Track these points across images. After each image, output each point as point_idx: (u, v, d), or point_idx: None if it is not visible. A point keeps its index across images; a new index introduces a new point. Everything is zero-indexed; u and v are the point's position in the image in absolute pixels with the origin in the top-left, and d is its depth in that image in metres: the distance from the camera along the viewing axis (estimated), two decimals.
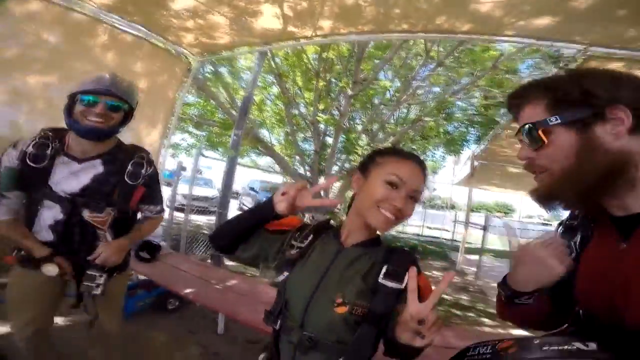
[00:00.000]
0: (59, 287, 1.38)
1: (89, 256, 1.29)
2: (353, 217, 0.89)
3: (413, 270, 0.68)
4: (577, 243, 0.71)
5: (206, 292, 2.56)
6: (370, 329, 0.76)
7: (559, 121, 0.58)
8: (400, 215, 0.82)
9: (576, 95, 0.58)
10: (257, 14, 2.57)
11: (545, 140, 0.60)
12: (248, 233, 0.93)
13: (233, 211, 5.29)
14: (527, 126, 0.62)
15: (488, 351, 0.58)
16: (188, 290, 2.51)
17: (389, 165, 0.84)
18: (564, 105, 0.59)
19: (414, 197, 0.83)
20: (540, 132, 0.60)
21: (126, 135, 3.23)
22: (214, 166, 9.73)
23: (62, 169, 1.26)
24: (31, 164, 1.21)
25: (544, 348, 0.52)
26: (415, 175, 0.84)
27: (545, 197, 0.64)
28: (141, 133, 3.35)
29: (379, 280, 0.79)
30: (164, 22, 2.69)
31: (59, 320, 2.17)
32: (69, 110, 1.27)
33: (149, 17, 2.66)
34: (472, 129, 7.34)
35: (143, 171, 1.36)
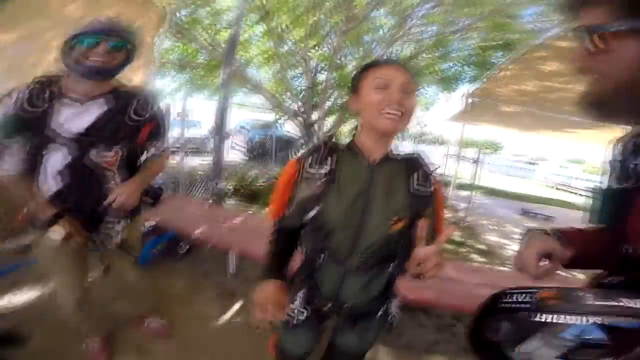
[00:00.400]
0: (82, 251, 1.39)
1: (103, 201, 1.27)
2: (366, 134, 0.90)
3: (424, 223, 0.77)
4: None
5: (215, 232, 2.55)
6: (413, 231, 0.83)
7: (623, 27, 0.51)
8: (404, 109, 0.83)
9: None
10: None
11: (603, 46, 0.53)
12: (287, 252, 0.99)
13: (227, 151, 5.23)
14: (582, 29, 0.55)
15: (526, 299, 0.54)
16: (199, 231, 2.50)
17: (372, 74, 0.86)
18: (631, 11, 0.50)
19: (407, 92, 0.84)
20: (596, 37, 0.53)
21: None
22: (199, 108, 9.41)
23: (64, 110, 1.21)
24: (29, 108, 1.17)
25: (588, 302, 0.49)
26: (399, 71, 0.85)
27: (596, 105, 0.58)
28: (123, 80, 3.20)
29: (415, 188, 0.87)
30: None
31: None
32: (66, 55, 1.21)
33: None
34: (467, 69, 7.07)
35: (148, 107, 1.35)
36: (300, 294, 0.96)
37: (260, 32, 6.40)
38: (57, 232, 1.21)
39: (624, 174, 0.62)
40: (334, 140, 0.95)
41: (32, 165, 1.24)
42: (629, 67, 0.52)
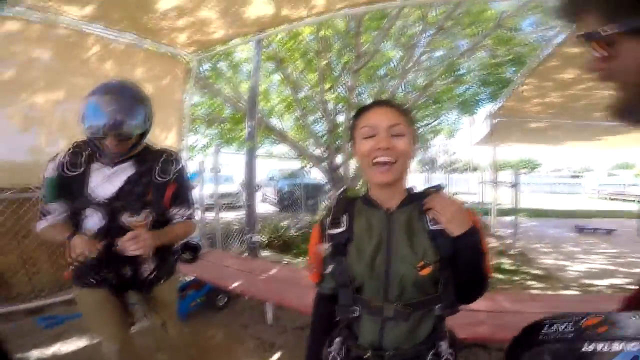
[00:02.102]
0: (119, 298, 1.43)
1: (137, 266, 1.33)
2: (373, 187, 0.89)
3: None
4: None
5: (252, 284, 2.62)
6: (450, 271, 0.82)
7: (617, 30, 0.48)
8: (394, 154, 0.80)
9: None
10: (247, 3, 2.52)
11: (612, 52, 0.50)
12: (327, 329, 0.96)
13: (257, 203, 5.39)
14: (581, 37, 0.53)
15: (570, 329, 0.49)
16: (235, 284, 2.58)
17: (359, 122, 0.85)
18: (623, 11, 0.48)
19: (396, 134, 0.81)
20: (596, 43, 0.51)
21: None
22: (230, 162, 9.85)
23: (96, 175, 1.29)
24: (67, 172, 1.25)
25: None
26: (384, 114, 0.83)
27: (626, 113, 0.54)
28: (157, 139, 3.42)
29: (431, 228, 0.82)
30: (153, 25, 2.67)
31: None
32: (83, 129, 1.27)
33: (137, 22, 2.64)
34: (484, 89, 7.04)
35: (172, 167, 1.38)
36: (337, 344, 0.90)
37: (277, 80, 6.79)
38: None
39: None
40: (347, 193, 0.94)
41: (74, 227, 1.30)
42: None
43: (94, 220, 1.28)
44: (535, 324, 0.53)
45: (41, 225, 1.30)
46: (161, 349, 1.63)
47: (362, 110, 0.87)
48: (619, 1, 0.49)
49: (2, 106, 2.38)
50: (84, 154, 1.28)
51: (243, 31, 3.11)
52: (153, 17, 2.54)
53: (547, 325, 0.51)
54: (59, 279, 2.79)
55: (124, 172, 1.32)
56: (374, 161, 0.80)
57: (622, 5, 0.48)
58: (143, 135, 1.33)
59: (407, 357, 0.84)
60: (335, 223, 0.87)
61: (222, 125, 7.35)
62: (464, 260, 0.80)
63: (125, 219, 1.27)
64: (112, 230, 1.27)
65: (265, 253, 5.04)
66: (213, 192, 4.94)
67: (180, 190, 1.41)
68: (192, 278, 2.96)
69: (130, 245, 1.19)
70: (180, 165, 1.42)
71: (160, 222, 1.39)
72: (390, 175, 0.81)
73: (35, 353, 2.16)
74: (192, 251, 3.07)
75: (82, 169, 1.27)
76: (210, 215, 4.94)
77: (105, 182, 1.29)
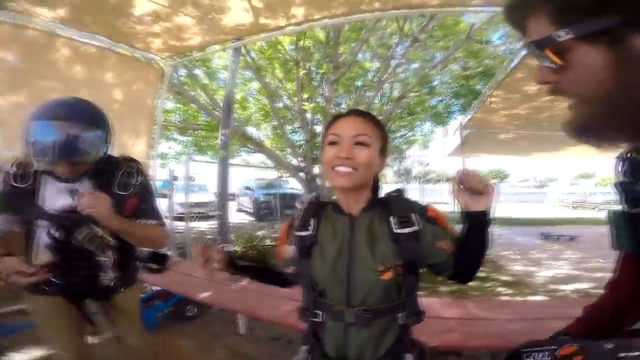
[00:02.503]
0: (76, 307, 1.34)
1: (94, 274, 1.26)
2: (336, 193, 0.90)
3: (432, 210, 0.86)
4: None
5: (223, 294, 2.56)
6: (413, 277, 0.83)
7: (572, 35, 0.44)
8: (354, 163, 0.81)
9: (587, 1, 0.43)
10: (225, 10, 2.50)
11: (559, 61, 0.46)
12: (267, 276, 0.99)
13: (233, 213, 5.28)
14: (531, 46, 0.48)
15: (547, 358, 0.50)
16: (205, 295, 2.51)
17: (328, 130, 0.86)
18: (578, 13, 0.44)
19: (360, 143, 0.82)
20: (549, 51, 0.46)
21: (111, 151, 3.15)
22: (205, 171, 9.64)
23: (49, 187, 1.20)
24: (15, 184, 1.18)
25: (620, 355, 0.43)
26: (351, 124, 0.84)
27: (581, 132, 0.50)
28: (126, 145, 3.28)
29: (395, 231, 0.82)
30: (128, 29, 2.59)
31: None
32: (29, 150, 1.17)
33: (110, 26, 2.56)
34: (456, 100, 7.36)
35: (133, 181, 1.28)
36: (303, 354, 0.89)
37: (255, 89, 6.76)
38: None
39: (634, 196, 0.57)
40: (319, 200, 0.95)
41: (26, 238, 1.22)
42: (597, 79, 0.44)
43: (45, 235, 1.20)
44: (513, 354, 0.53)
45: None
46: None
47: (333, 119, 0.89)
48: (572, 2, 0.44)
49: None
50: (35, 164, 1.19)
51: (221, 38, 3.08)
52: (127, 21, 2.47)
53: (524, 356, 0.51)
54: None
55: (79, 185, 1.22)
56: (334, 169, 0.82)
57: (575, 7, 0.44)
58: (97, 159, 1.23)
59: None
60: (304, 226, 0.88)
61: (196, 132, 7.19)
62: (475, 239, 0.81)
63: (83, 231, 1.20)
64: (66, 243, 1.20)
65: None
66: (184, 201, 4.79)
67: (141, 204, 1.31)
68: (159, 289, 2.89)
69: (86, 202, 1.12)
70: (142, 178, 1.32)
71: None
72: (349, 181, 0.81)
73: None
74: (160, 261, 2.97)
75: (31, 181, 1.18)
76: (181, 224, 4.78)
77: (59, 194, 1.20)
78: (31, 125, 1.11)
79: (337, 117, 0.89)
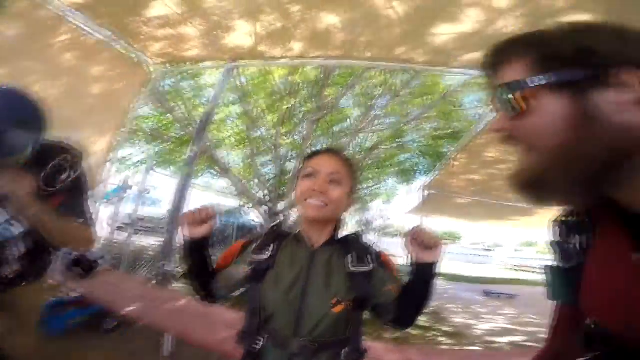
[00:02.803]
0: None
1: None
2: (305, 221, 0.94)
3: (385, 256, 0.94)
4: (579, 245, 0.59)
5: (151, 312, 2.40)
6: (360, 315, 0.87)
7: (544, 82, 0.45)
8: (326, 199, 0.87)
9: (570, 52, 0.45)
10: (230, 30, 2.62)
11: (524, 107, 0.47)
12: (206, 276, 0.94)
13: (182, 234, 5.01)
14: (500, 88, 0.49)
15: None
16: (131, 308, 2.34)
17: (306, 164, 0.93)
18: (553, 64, 0.45)
19: (334, 181, 0.88)
20: (517, 95, 0.47)
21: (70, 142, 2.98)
22: (163, 186, 9.18)
23: None
24: None
25: None
26: (328, 161, 0.91)
27: (527, 186, 0.50)
28: (87, 141, 3.12)
29: (350, 269, 0.87)
30: (133, 28, 2.63)
31: None
32: None
33: (119, 21, 2.58)
34: (423, 160, 7.83)
35: (63, 176, 1.15)
36: None
37: (236, 113, 6.80)
38: None
39: (565, 254, 0.62)
40: (282, 228, 0.99)
41: None
42: (554, 129, 0.45)
43: None
44: None
45: None
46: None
47: (312, 154, 0.97)
48: (556, 52, 0.46)
49: None
50: None
51: (217, 56, 3.18)
52: (137, 20, 2.52)
53: None
54: None
55: None
56: (307, 200, 0.88)
57: (557, 57, 0.46)
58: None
59: None
60: (261, 249, 0.90)
61: (164, 144, 6.97)
62: (421, 287, 0.87)
63: None
64: None
65: (178, 285, 4.59)
66: (132, 212, 4.52)
67: (67, 203, 1.19)
68: (78, 295, 2.69)
69: (3, 180, 1.03)
70: (74, 175, 1.19)
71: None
72: (319, 213, 0.87)
73: None
74: (87, 267, 2.74)
75: None
76: (123, 235, 4.49)
77: None
78: None
79: (317, 152, 0.97)
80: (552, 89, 0.45)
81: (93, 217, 1.32)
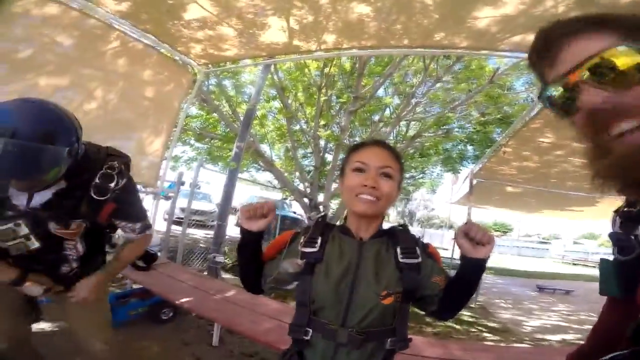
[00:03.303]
0: (19, 293, 1.27)
1: (62, 266, 1.26)
2: (351, 215, 0.94)
3: (432, 247, 0.94)
4: None
5: (203, 303, 2.53)
6: (407, 306, 0.89)
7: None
8: (378, 193, 0.86)
9: None
10: (264, 27, 2.67)
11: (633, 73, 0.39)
12: (256, 268, 0.96)
13: (231, 226, 5.31)
14: (595, 58, 0.41)
15: None
16: (184, 300, 2.47)
17: (353, 156, 0.91)
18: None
19: (385, 174, 0.87)
20: (619, 61, 0.40)
21: (129, 145, 3.22)
22: (212, 181, 9.73)
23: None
24: None
25: None
26: (378, 154, 0.89)
27: (604, 178, 0.44)
28: (144, 142, 3.41)
29: (400, 261, 0.87)
30: (175, 31, 2.79)
31: (45, 326, 2.18)
32: None
33: (161, 25, 2.75)
34: (470, 147, 7.43)
35: (112, 185, 1.16)
36: None
37: (276, 108, 6.97)
38: (34, 289, 1.21)
39: (624, 246, 0.60)
40: (327, 220, 0.99)
41: None
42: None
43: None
44: None
45: None
46: (80, 353, 1.47)
47: (358, 146, 0.95)
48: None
49: (6, 83, 2.36)
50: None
51: (254, 53, 3.27)
52: (177, 24, 2.66)
53: None
54: None
55: (54, 185, 1.13)
56: (358, 196, 0.86)
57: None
58: (64, 168, 1.09)
59: None
60: (310, 242, 0.90)
61: (212, 141, 7.37)
62: (468, 282, 0.88)
63: (53, 228, 1.16)
64: (36, 237, 1.16)
65: (226, 276, 4.88)
66: (185, 207, 4.84)
67: (120, 209, 1.24)
68: (139, 287, 2.88)
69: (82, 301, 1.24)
70: (123, 182, 1.21)
71: (96, 230, 1.28)
72: (371, 209, 0.86)
73: None
74: (147, 260, 2.96)
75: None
76: (178, 229, 4.81)
77: (22, 195, 1.13)
78: None
79: (362, 145, 0.94)
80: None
81: (147, 214, 1.42)
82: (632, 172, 0.41)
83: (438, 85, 6.09)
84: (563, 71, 0.43)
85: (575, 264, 16.51)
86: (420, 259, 0.88)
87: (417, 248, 0.89)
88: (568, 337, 3.91)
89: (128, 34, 2.83)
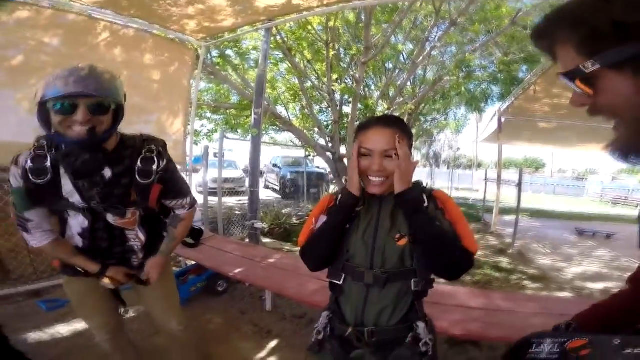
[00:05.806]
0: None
1: (127, 256, 1.33)
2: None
3: (437, 192, 1.01)
4: None
5: (252, 271, 2.64)
6: (420, 248, 0.95)
7: (598, 66, 0.44)
8: (386, 174, 0.94)
9: (607, 29, 0.42)
10: None
11: (591, 91, 0.47)
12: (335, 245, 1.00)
13: (261, 190, 5.44)
14: (561, 76, 0.49)
15: (555, 350, 0.51)
16: (236, 271, 2.60)
17: (359, 139, 0.98)
18: (598, 44, 0.44)
19: (389, 156, 0.93)
20: (579, 82, 0.47)
21: (149, 129, 3.27)
22: (235, 148, 9.82)
23: (67, 180, 1.14)
24: (35, 181, 1.09)
25: (626, 351, 0.43)
26: (381, 138, 0.94)
27: (622, 152, 0.50)
28: (165, 124, 3.45)
29: None
30: (163, 12, 2.65)
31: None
32: (46, 120, 1.08)
33: (147, 9, 2.63)
34: (494, 87, 6.93)
35: (154, 167, 1.21)
36: (324, 319, 1.03)
37: (285, 69, 6.72)
38: (107, 283, 1.28)
39: None
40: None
41: (60, 223, 1.25)
42: (629, 104, 0.45)
43: (77, 221, 1.22)
44: (523, 342, 0.55)
45: (35, 240, 1.20)
46: (157, 333, 1.62)
47: (363, 127, 1.00)
48: (593, 33, 0.44)
49: (13, 90, 2.40)
50: (49, 157, 1.10)
51: (252, 19, 3.09)
52: (163, 4, 2.53)
53: (534, 345, 0.53)
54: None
55: (107, 138, 1.16)
56: (369, 177, 0.96)
57: (597, 37, 0.43)
58: (116, 119, 1.16)
59: (386, 337, 0.96)
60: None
61: (227, 111, 7.33)
62: (415, 228, 0.92)
63: (111, 219, 1.22)
64: (98, 229, 1.24)
65: (265, 240, 5.11)
66: (217, 178, 4.98)
67: (167, 189, 1.30)
68: (193, 263, 3.01)
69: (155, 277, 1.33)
70: (164, 163, 1.25)
71: (151, 214, 1.34)
72: (382, 188, 0.96)
73: (35, 335, 2.18)
74: (195, 236, 3.11)
75: (50, 176, 1.09)
76: (213, 200, 4.97)
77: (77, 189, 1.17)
78: (48, 80, 1.05)
79: (367, 126, 0.98)
80: (611, 69, 0.44)
81: (190, 189, 1.48)
82: (623, 154, 0.49)
83: (453, 28, 5.58)
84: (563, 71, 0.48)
85: (615, 204, 15.33)
86: (425, 204, 0.94)
87: (423, 195, 0.95)
88: (610, 285, 3.75)
89: (115, 22, 2.72)
